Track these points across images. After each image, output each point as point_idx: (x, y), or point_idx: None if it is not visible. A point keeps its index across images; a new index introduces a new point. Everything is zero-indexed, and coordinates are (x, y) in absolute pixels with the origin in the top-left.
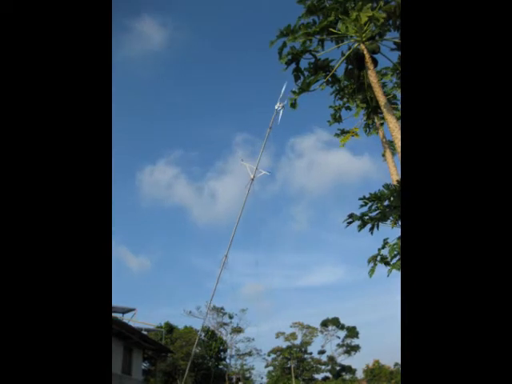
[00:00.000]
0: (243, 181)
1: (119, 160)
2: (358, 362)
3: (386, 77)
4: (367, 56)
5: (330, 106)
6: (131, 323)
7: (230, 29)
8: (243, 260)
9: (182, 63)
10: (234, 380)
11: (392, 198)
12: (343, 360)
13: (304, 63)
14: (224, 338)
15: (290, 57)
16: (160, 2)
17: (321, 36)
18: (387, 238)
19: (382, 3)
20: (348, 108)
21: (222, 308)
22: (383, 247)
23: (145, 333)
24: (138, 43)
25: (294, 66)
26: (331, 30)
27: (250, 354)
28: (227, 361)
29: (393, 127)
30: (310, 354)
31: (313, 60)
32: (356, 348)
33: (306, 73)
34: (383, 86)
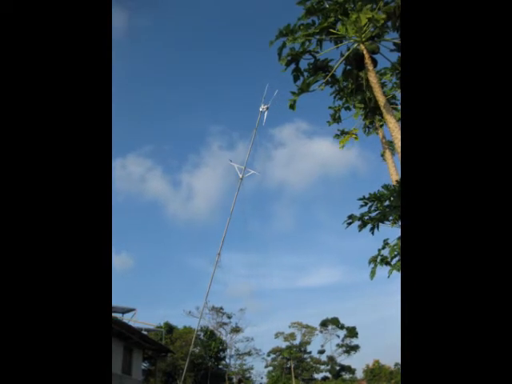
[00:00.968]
0: (221, 173)
1: None
2: (358, 362)
3: (385, 76)
4: (367, 56)
5: (330, 107)
6: (131, 323)
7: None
8: (238, 261)
9: (154, 56)
10: (236, 380)
11: (392, 198)
12: (343, 360)
13: (303, 64)
14: (223, 338)
15: (289, 57)
16: None
17: (320, 36)
18: (387, 239)
19: (381, 4)
20: (347, 108)
21: (221, 308)
22: (383, 247)
23: (145, 333)
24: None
25: (293, 66)
26: (331, 30)
27: (249, 353)
28: (227, 361)
29: (392, 127)
30: (310, 353)
31: (312, 60)
32: (356, 348)
33: (305, 73)
34: (383, 86)
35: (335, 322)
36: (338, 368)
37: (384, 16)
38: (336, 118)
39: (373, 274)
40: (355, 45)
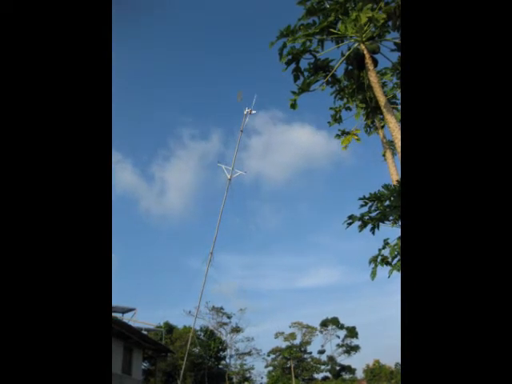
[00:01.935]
0: (193, 166)
1: None
2: (358, 362)
3: (386, 76)
4: (367, 56)
5: (331, 108)
6: (131, 323)
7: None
8: (233, 262)
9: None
10: (235, 380)
11: (392, 198)
12: (343, 360)
13: (304, 63)
14: (223, 338)
15: (290, 57)
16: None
17: (321, 36)
18: (388, 239)
19: (382, 4)
20: (348, 108)
21: (222, 308)
22: (384, 247)
23: (145, 333)
24: None
25: (293, 66)
26: (331, 30)
27: (249, 353)
28: (227, 361)
29: (393, 127)
30: (310, 354)
31: (313, 60)
32: (356, 348)
33: (305, 73)
34: (383, 85)
35: (335, 322)
36: (338, 368)
37: (384, 15)
38: (337, 119)
39: (374, 274)
40: (356, 44)
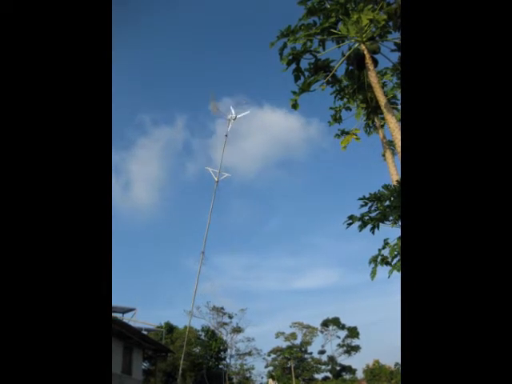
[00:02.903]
0: (158, 156)
1: None
2: (358, 362)
3: (386, 76)
4: (367, 56)
5: (331, 108)
6: (131, 323)
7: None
8: (227, 263)
9: None
10: (236, 380)
11: (392, 198)
12: (343, 360)
13: (304, 63)
14: (224, 338)
15: (290, 57)
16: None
17: (321, 36)
18: (387, 239)
19: (383, 4)
20: (348, 108)
21: (222, 308)
22: (384, 248)
23: (145, 333)
24: None
25: (293, 66)
26: (332, 30)
27: (249, 353)
28: (227, 361)
29: (393, 127)
30: (310, 353)
31: (313, 60)
32: (356, 348)
33: (306, 73)
34: (383, 86)
35: (336, 322)
36: (338, 368)
37: (385, 16)
38: (337, 118)
39: (373, 273)
40: (356, 45)
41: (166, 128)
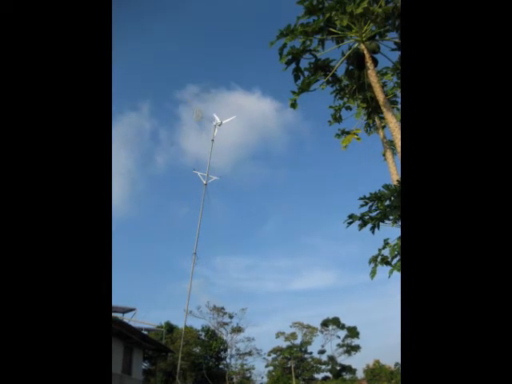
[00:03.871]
0: (122, 148)
1: None
2: (359, 362)
3: (386, 76)
4: (367, 56)
5: (330, 107)
6: (131, 323)
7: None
8: (222, 264)
9: None
10: (236, 380)
11: (392, 198)
12: (343, 360)
13: (304, 63)
14: (224, 338)
15: (290, 57)
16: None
17: (321, 36)
18: (388, 239)
19: (382, 2)
20: (348, 108)
21: (223, 308)
22: (384, 247)
23: (145, 332)
24: None
25: (293, 66)
26: (331, 29)
27: (250, 353)
28: (227, 360)
29: (393, 127)
30: (311, 353)
31: (313, 60)
32: (356, 348)
33: (305, 73)
34: (383, 85)
35: (336, 322)
36: (338, 368)
37: (381, 10)
38: (337, 118)
39: (373, 273)
40: (356, 44)
41: (132, 115)
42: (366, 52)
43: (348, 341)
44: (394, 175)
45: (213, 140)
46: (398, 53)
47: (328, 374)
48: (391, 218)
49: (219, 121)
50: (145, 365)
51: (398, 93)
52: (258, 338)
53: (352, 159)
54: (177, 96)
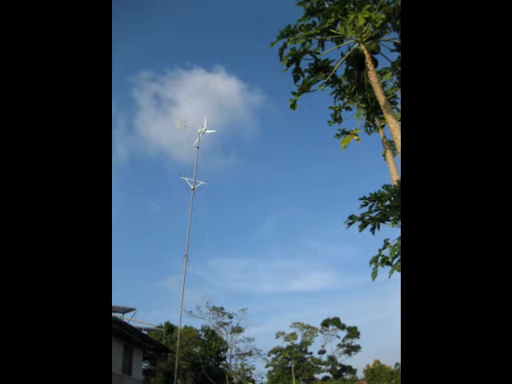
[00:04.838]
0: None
1: None
2: (359, 362)
3: (386, 76)
4: (367, 56)
5: (330, 107)
6: (131, 323)
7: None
8: (217, 265)
9: None
10: (236, 380)
11: (392, 198)
12: (343, 360)
13: (304, 64)
14: (224, 338)
15: (290, 58)
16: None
17: (321, 37)
18: (388, 239)
19: (383, 1)
20: (348, 108)
21: (222, 308)
22: (384, 248)
23: (145, 332)
24: None
25: (293, 66)
26: (331, 30)
27: (250, 353)
28: (227, 361)
29: (393, 127)
30: (311, 353)
31: (313, 61)
32: (356, 348)
33: (305, 73)
34: (383, 85)
35: (336, 322)
36: (338, 368)
37: (383, 16)
38: (337, 118)
39: (374, 274)
40: (356, 45)
41: None
42: (365, 52)
43: (348, 341)
44: (393, 175)
45: (198, 147)
46: (398, 53)
47: (328, 374)
48: (391, 218)
49: (204, 128)
50: (145, 365)
51: (398, 93)
52: (258, 338)
53: (351, 159)
54: (130, 80)
